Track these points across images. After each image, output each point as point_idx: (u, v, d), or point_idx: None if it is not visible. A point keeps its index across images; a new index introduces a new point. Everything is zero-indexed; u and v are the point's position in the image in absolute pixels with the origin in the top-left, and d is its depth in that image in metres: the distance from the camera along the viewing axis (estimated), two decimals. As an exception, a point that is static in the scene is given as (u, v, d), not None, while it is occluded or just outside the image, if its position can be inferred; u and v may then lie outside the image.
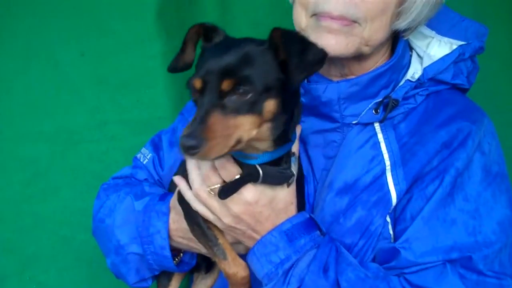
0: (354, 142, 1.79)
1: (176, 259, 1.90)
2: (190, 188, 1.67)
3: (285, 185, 1.63)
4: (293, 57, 1.42)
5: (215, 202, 1.62)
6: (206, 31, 1.60)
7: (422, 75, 1.80)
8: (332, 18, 1.70)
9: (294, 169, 1.63)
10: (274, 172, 1.59)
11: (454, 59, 1.82)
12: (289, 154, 1.63)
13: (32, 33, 2.67)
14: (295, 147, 1.65)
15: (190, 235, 1.77)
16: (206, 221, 1.69)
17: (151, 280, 2.00)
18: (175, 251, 1.89)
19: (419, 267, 1.62)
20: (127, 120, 2.72)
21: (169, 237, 1.83)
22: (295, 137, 1.63)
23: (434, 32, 1.91)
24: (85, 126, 2.72)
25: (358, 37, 1.72)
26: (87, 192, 2.58)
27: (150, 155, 2.17)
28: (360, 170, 1.76)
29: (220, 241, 1.70)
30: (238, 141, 1.43)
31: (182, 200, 1.74)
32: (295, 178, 1.64)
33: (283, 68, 1.46)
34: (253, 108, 1.43)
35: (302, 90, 1.81)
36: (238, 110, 1.42)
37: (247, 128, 1.44)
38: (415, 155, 1.73)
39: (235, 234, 1.69)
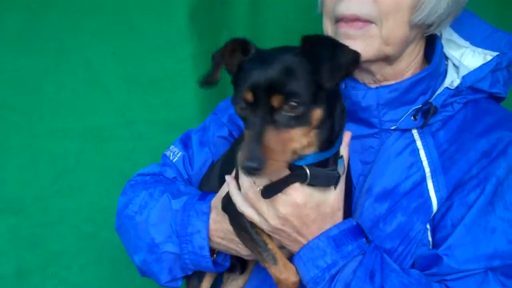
0: (392, 148, 1.81)
1: (211, 258, 1.90)
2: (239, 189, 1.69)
3: (333, 188, 1.65)
4: (324, 62, 1.44)
5: (263, 204, 1.63)
6: (243, 46, 1.60)
7: (461, 83, 1.81)
8: (347, 21, 1.72)
9: (340, 171, 1.64)
10: (321, 172, 1.60)
11: (492, 68, 1.85)
12: (336, 156, 1.64)
13: (64, 32, 2.69)
14: (343, 150, 1.68)
15: (231, 236, 1.79)
16: (254, 226, 1.71)
17: (181, 280, 2.00)
18: (210, 252, 1.89)
19: (461, 274, 1.63)
20: (155, 119, 2.73)
21: (209, 237, 1.84)
22: (340, 140, 1.66)
23: (468, 42, 1.92)
24: (113, 124, 2.73)
25: (376, 38, 1.73)
26: (113, 189, 2.56)
27: (180, 153, 2.18)
28: (399, 176, 1.78)
29: (270, 246, 1.71)
30: (294, 153, 1.48)
31: (228, 205, 1.76)
32: (342, 179, 1.66)
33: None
34: (302, 119, 1.47)
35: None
36: (290, 124, 1.46)
37: (299, 140, 1.48)
38: (456, 163, 1.75)
39: (280, 238, 1.70)
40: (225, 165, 1.94)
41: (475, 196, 1.68)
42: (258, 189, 1.62)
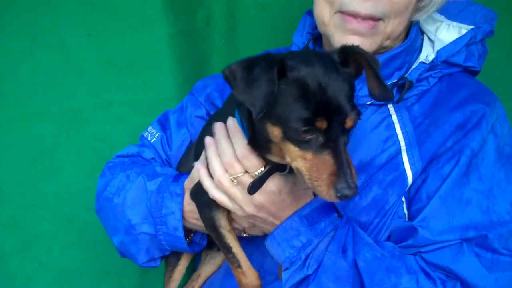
0: (368, 122, 1.83)
1: (187, 240, 1.91)
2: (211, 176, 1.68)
3: None
4: (378, 78, 1.47)
5: (237, 191, 1.64)
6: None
7: (436, 57, 1.84)
8: (359, 18, 1.74)
9: None
10: None
11: (466, 42, 1.87)
12: None
13: (38, 14, 2.65)
14: None
15: None
16: (220, 226, 1.73)
17: (159, 260, 2.02)
18: (186, 232, 1.90)
19: (436, 245, 1.66)
20: (132, 101, 2.71)
21: (183, 218, 1.85)
22: None
23: (443, 16, 1.96)
24: (90, 107, 2.71)
25: (381, 35, 1.78)
26: (91, 172, 2.56)
27: (158, 134, 2.18)
28: (375, 150, 1.80)
29: (234, 249, 1.73)
30: None
31: (196, 196, 1.76)
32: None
33: None
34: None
35: None
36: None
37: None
38: (431, 136, 1.77)
39: (254, 221, 1.72)
40: (200, 145, 1.92)
41: (450, 168, 1.71)
42: (232, 177, 1.62)
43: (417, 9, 1.85)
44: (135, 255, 1.97)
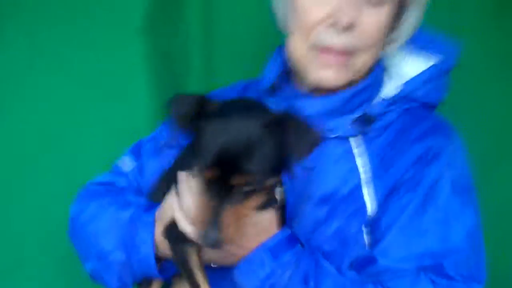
0: (331, 155, 1.90)
1: (158, 265, 1.95)
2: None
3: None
4: (299, 143, 1.52)
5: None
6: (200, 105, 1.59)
7: (400, 92, 1.92)
8: (333, 52, 1.81)
9: (277, 196, 1.77)
10: None
11: (428, 77, 1.94)
12: (275, 185, 1.74)
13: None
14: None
15: None
16: (192, 261, 1.79)
17: (131, 286, 2.06)
18: (157, 259, 1.95)
19: (395, 274, 1.73)
20: (106, 126, 2.76)
21: (155, 246, 1.90)
22: None
23: (409, 48, 2.01)
24: (61, 133, 2.75)
25: (352, 68, 1.85)
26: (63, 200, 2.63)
27: (131, 163, 2.25)
28: (338, 182, 1.87)
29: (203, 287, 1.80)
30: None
31: (169, 231, 1.82)
32: (277, 204, 1.77)
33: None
34: (258, 193, 1.56)
35: (285, 106, 1.93)
36: (244, 199, 1.53)
37: (252, 207, 1.58)
38: (391, 168, 1.85)
39: (222, 253, 1.77)
40: (174, 174, 1.96)
41: (409, 199, 1.78)
42: None
43: (389, 41, 1.92)
44: (107, 281, 2.02)
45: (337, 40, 1.78)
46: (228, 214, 1.52)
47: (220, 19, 2.79)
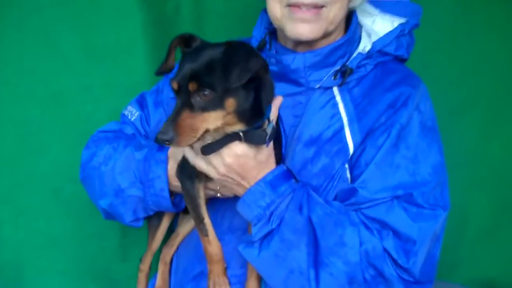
0: (317, 103, 2.12)
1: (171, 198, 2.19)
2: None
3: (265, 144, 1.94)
4: (234, 65, 1.71)
5: (212, 156, 1.92)
6: (185, 41, 1.91)
7: (372, 48, 2.14)
8: (304, 7, 2.01)
9: (268, 131, 1.92)
10: (252, 134, 1.88)
11: (397, 34, 2.17)
12: (268, 120, 1.94)
13: (26, 13, 2.90)
14: (273, 115, 1.97)
15: None
16: (199, 196, 2.04)
17: (143, 220, 2.30)
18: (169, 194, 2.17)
19: (373, 202, 1.96)
20: (110, 84, 2.95)
21: (168, 181, 2.13)
22: (269, 110, 1.93)
23: (378, 10, 2.25)
24: (72, 89, 2.95)
25: (325, 20, 2.05)
26: (75, 148, 2.74)
27: (137, 112, 2.45)
28: (323, 126, 2.10)
29: (206, 220, 2.05)
30: (206, 131, 1.78)
31: (180, 172, 2.06)
32: (270, 139, 1.94)
33: None
34: (216, 105, 1.75)
35: (273, 61, 2.14)
36: (204, 108, 1.76)
37: (211, 121, 1.77)
38: (367, 114, 2.08)
39: (226, 183, 2.00)
40: None
41: (383, 140, 2.01)
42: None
43: None
44: (122, 215, 2.25)
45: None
46: (185, 118, 1.73)
47: None
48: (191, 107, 1.75)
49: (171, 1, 2.99)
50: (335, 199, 2.06)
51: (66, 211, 3.02)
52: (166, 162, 2.13)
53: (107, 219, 2.40)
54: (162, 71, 1.93)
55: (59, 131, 2.97)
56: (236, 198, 2.05)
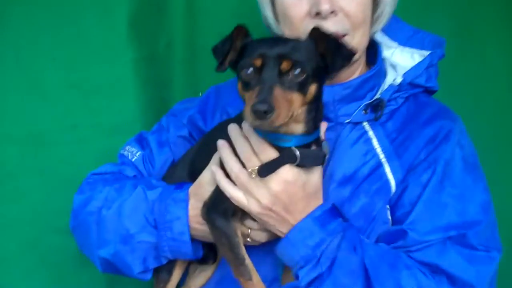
0: (348, 139, 2.02)
1: None
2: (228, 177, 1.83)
3: (315, 170, 1.82)
4: (334, 50, 1.69)
5: (254, 184, 1.78)
6: (244, 33, 1.79)
7: (404, 79, 2.06)
8: None
9: (326, 150, 1.83)
10: (309, 153, 1.78)
11: (428, 64, 2.10)
12: (319, 140, 1.83)
13: (4, 40, 2.70)
14: (322, 135, 1.88)
15: None
16: (237, 236, 1.85)
17: (151, 273, 2.07)
18: None
19: (423, 245, 1.85)
20: (96, 123, 2.76)
21: (188, 223, 1.93)
22: (318, 131, 1.84)
23: (396, 43, 2.20)
24: (55, 129, 2.73)
25: None
26: (56, 194, 2.67)
27: (139, 152, 2.27)
28: (357, 163, 1.99)
29: (247, 261, 1.84)
30: (291, 115, 1.64)
31: (210, 212, 1.87)
32: (327, 158, 1.84)
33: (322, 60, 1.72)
34: (302, 88, 1.67)
35: None
36: (292, 88, 1.65)
37: (297, 105, 1.66)
38: (407, 149, 1.98)
39: (267, 219, 1.83)
40: (198, 158, 2.05)
41: (428, 177, 1.92)
42: (250, 169, 1.77)
43: (374, 21, 2.09)
44: (130, 264, 2.02)
45: (326, 27, 1.90)
46: (279, 93, 1.62)
47: (203, 22, 2.86)
48: (281, 85, 1.64)
49: (163, 38, 2.86)
50: (376, 242, 1.94)
51: (44, 265, 2.75)
52: (187, 201, 1.94)
53: (106, 272, 2.16)
54: (224, 67, 1.80)
55: (38, 174, 2.74)
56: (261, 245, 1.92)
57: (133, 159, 2.26)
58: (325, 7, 1.91)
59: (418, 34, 2.20)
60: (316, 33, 1.74)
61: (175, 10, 2.85)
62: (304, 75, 1.66)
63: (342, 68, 1.74)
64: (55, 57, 2.73)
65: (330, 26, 1.92)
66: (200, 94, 2.45)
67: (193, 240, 1.98)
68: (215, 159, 1.91)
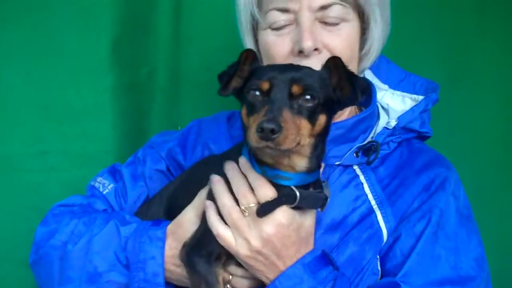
0: (337, 182, 1.92)
1: None
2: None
3: (309, 213, 1.73)
4: (351, 80, 1.62)
5: (246, 223, 1.67)
6: (255, 56, 1.70)
7: (398, 123, 1.99)
8: None
9: (327, 192, 1.72)
10: (309, 194, 1.67)
11: (423, 109, 2.03)
12: (318, 181, 1.73)
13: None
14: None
15: None
16: (219, 283, 1.73)
17: None
18: None
19: None
20: (69, 151, 2.62)
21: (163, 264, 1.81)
22: (319, 172, 1.74)
23: (386, 85, 2.14)
24: (23, 154, 2.59)
25: None
26: (17, 223, 2.52)
27: (111, 185, 2.15)
28: (346, 209, 1.89)
29: None
30: (298, 143, 1.54)
31: (190, 254, 1.75)
32: (328, 201, 1.72)
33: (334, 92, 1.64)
34: (311, 116, 1.58)
35: None
36: (301, 114, 1.56)
37: (305, 133, 1.57)
38: (401, 197, 1.90)
39: (255, 263, 1.70)
40: (179, 194, 1.93)
41: (422, 227, 1.83)
42: (243, 207, 1.66)
43: (362, 58, 2.02)
44: None
45: (310, 65, 1.80)
46: (288, 115, 1.52)
47: (187, 51, 2.77)
48: (291, 109, 1.55)
49: (145, 65, 2.75)
50: None
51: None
52: (163, 240, 1.81)
53: None
54: (229, 91, 1.70)
55: (2, 203, 2.58)
56: None
57: (104, 192, 2.13)
58: (307, 44, 1.83)
59: (409, 78, 2.14)
60: (332, 63, 1.66)
61: (160, 37, 2.76)
62: (315, 102, 1.58)
63: (357, 101, 1.66)
64: (29, 75, 2.60)
65: (315, 63, 1.80)
66: (179, 128, 2.35)
67: (166, 283, 1.84)
68: (200, 196, 1.80)
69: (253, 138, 1.49)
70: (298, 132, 1.54)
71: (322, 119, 1.61)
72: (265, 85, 1.57)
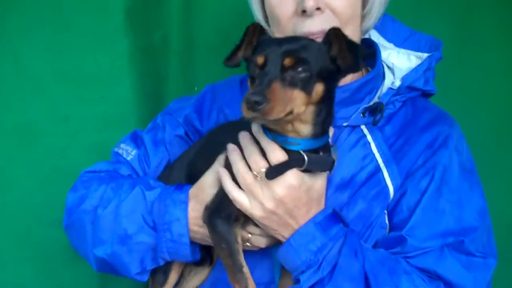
0: (346, 142, 2.00)
1: None
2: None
3: (320, 175, 1.80)
4: (351, 49, 1.67)
5: (259, 187, 1.75)
6: (261, 29, 1.78)
7: (402, 83, 2.04)
8: (314, 36, 1.88)
9: (334, 156, 1.79)
10: (317, 158, 1.74)
11: (427, 67, 2.08)
12: (327, 146, 1.79)
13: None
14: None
15: None
16: (238, 242, 1.82)
17: (148, 274, 2.03)
18: None
19: (421, 251, 1.85)
20: (89, 116, 2.69)
21: (188, 225, 1.90)
22: (327, 137, 1.80)
23: (392, 44, 2.18)
24: (46, 121, 2.66)
25: None
26: (45, 186, 2.63)
27: (134, 151, 2.22)
28: (355, 168, 1.97)
29: (245, 269, 1.80)
30: (290, 112, 1.61)
31: (212, 216, 1.83)
32: (335, 164, 1.79)
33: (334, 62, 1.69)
34: (305, 86, 1.64)
35: None
36: (294, 85, 1.62)
37: (298, 103, 1.62)
38: (406, 155, 1.97)
39: (269, 223, 1.80)
40: (199, 160, 2.02)
41: (426, 183, 1.91)
42: (255, 172, 1.75)
43: (364, 17, 2.05)
44: (127, 265, 1.98)
45: (313, 25, 1.89)
46: (277, 88, 1.59)
47: (200, 15, 2.81)
48: (282, 80, 1.62)
49: (159, 29, 2.81)
50: (374, 247, 1.93)
51: (35, 258, 2.69)
52: (186, 203, 1.90)
53: (100, 271, 2.11)
54: (233, 62, 1.80)
55: (27, 166, 2.67)
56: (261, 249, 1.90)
57: (128, 158, 2.21)
58: (309, 4, 1.87)
59: (414, 36, 2.18)
60: (333, 33, 1.70)
61: (172, 2, 2.80)
62: (307, 73, 1.64)
63: (359, 69, 1.71)
64: (48, 46, 2.66)
65: (317, 23, 1.89)
66: (196, 89, 2.40)
67: (191, 242, 1.94)
68: (219, 161, 1.88)
69: (244, 109, 1.57)
70: (289, 103, 1.60)
71: (319, 88, 1.66)
72: (260, 60, 1.65)
